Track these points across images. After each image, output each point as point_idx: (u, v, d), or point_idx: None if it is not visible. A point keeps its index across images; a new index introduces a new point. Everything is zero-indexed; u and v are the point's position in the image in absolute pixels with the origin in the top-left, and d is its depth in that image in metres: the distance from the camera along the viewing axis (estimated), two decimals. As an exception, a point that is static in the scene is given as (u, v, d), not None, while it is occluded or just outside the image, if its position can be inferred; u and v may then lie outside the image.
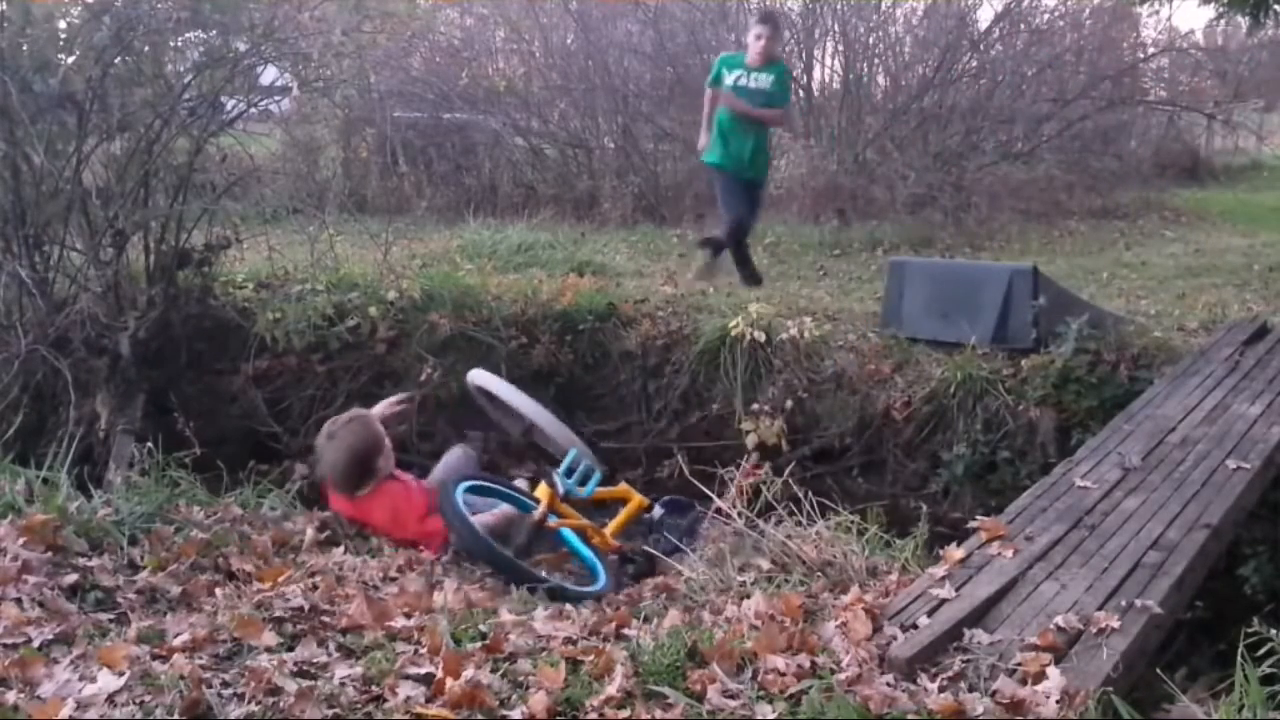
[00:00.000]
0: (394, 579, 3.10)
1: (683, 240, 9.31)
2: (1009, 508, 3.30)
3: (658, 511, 4.26)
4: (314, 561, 3.11)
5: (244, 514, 3.50)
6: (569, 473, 4.30)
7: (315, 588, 2.81)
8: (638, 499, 4.35)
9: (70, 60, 5.49)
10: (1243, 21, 11.15)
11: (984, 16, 11.62)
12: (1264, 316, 5.68)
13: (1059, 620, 2.44)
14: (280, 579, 2.84)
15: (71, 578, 2.62)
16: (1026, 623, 2.49)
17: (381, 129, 10.91)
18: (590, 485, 4.33)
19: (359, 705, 2.13)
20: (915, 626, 2.48)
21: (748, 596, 2.68)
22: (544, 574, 3.44)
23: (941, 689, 2.20)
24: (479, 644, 2.44)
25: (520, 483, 4.28)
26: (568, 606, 2.96)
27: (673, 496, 4.37)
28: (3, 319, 5.42)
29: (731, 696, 2.16)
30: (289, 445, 5.64)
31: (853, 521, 3.21)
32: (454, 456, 4.32)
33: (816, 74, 11.80)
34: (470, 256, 7.76)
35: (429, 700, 2.15)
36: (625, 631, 2.54)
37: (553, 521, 3.83)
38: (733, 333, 5.62)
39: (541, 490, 4.00)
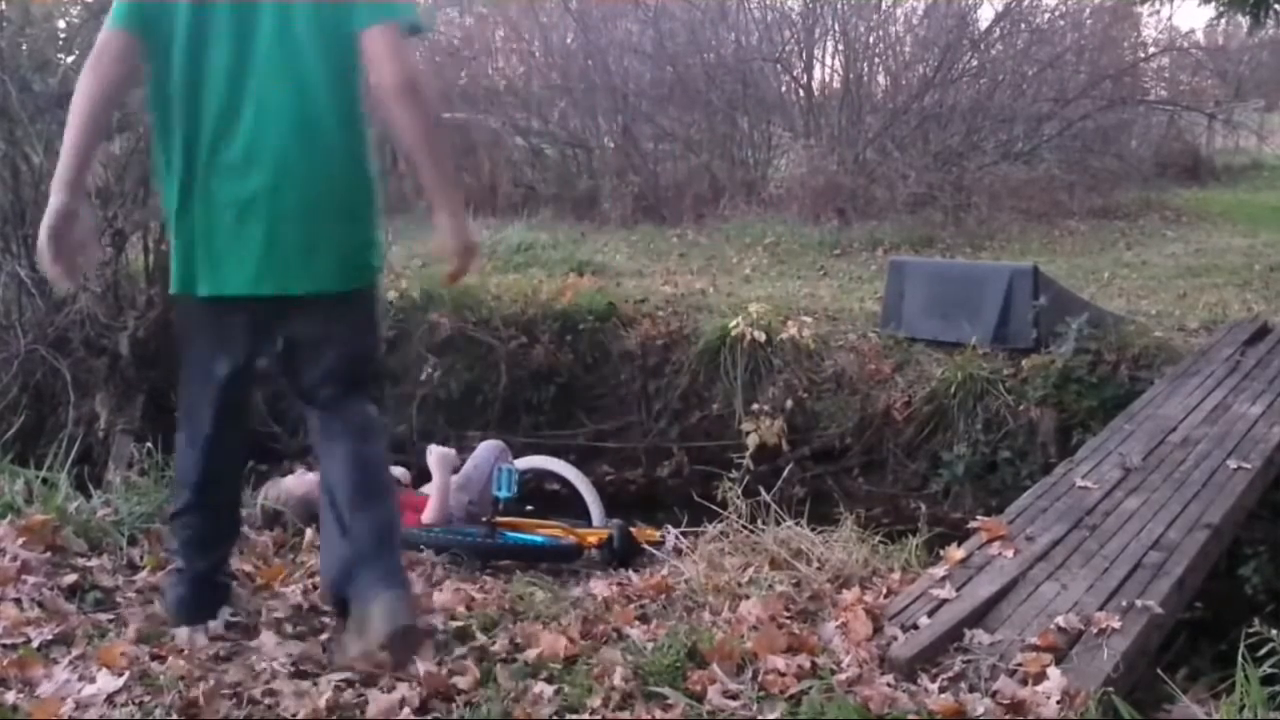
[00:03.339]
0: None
1: (683, 240, 9.32)
2: (1009, 508, 3.30)
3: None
4: (314, 561, 3.10)
5: (244, 514, 3.50)
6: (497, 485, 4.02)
7: (315, 587, 2.80)
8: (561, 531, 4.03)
9: (70, 60, 5.50)
10: (1243, 21, 11.15)
11: (984, 16, 11.67)
12: (1265, 316, 5.68)
13: (1060, 620, 2.43)
14: (280, 579, 2.83)
15: (71, 578, 2.61)
16: (1027, 623, 2.48)
17: (381, 129, 10.90)
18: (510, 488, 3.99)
19: (359, 705, 2.12)
20: (916, 627, 2.48)
21: (747, 597, 2.68)
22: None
23: (942, 689, 2.20)
24: (478, 644, 2.44)
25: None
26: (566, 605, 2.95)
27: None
28: (2, 319, 5.42)
29: (732, 697, 2.15)
30: (289, 445, 5.63)
31: (853, 522, 3.21)
32: (485, 450, 4.21)
33: (817, 73, 11.82)
34: (470, 256, 7.75)
35: (427, 700, 2.15)
36: (625, 631, 2.53)
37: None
38: (733, 333, 5.62)
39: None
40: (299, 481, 3.49)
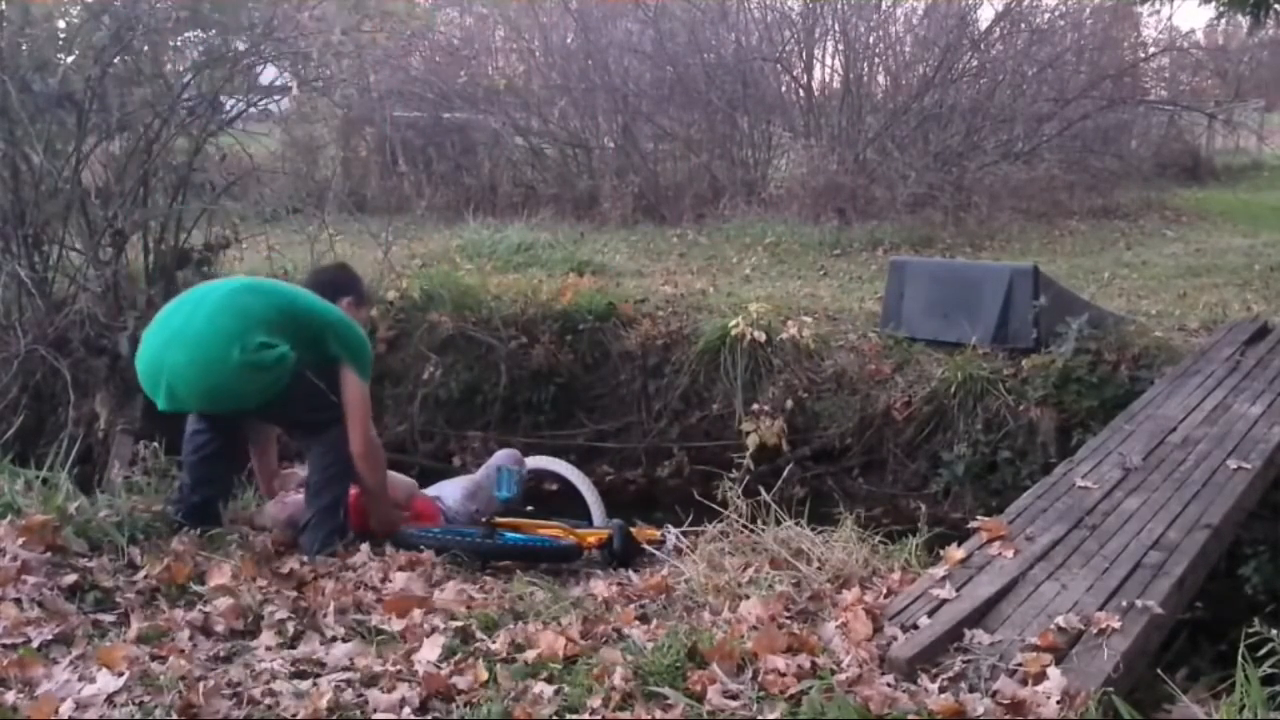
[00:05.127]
0: (394, 579, 3.09)
1: (683, 240, 9.31)
2: (1009, 508, 3.30)
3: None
4: (308, 569, 3.10)
5: (244, 514, 3.51)
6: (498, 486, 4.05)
7: (314, 590, 2.80)
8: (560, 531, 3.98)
9: (69, 60, 5.49)
10: (1243, 21, 11.16)
11: (984, 16, 11.64)
12: (1265, 316, 5.68)
13: (1060, 620, 2.43)
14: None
15: (71, 578, 2.61)
16: (1027, 623, 2.48)
17: (381, 128, 10.92)
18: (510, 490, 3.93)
19: (359, 705, 2.13)
20: (916, 627, 2.48)
21: (747, 597, 2.68)
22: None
23: (942, 689, 2.20)
24: (478, 644, 2.44)
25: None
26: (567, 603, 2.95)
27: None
28: (2, 319, 5.42)
29: (731, 697, 2.15)
30: (288, 445, 5.63)
31: (853, 522, 3.21)
32: (498, 458, 4.21)
33: (816, 73, 11.81)
34: (470, 256, 7.77)
35: (427, 700, 2.15)
36: (625, 631, 2.53)
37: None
38: (733, 333, 5.62)
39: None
40: (281, 507, 3.58)
